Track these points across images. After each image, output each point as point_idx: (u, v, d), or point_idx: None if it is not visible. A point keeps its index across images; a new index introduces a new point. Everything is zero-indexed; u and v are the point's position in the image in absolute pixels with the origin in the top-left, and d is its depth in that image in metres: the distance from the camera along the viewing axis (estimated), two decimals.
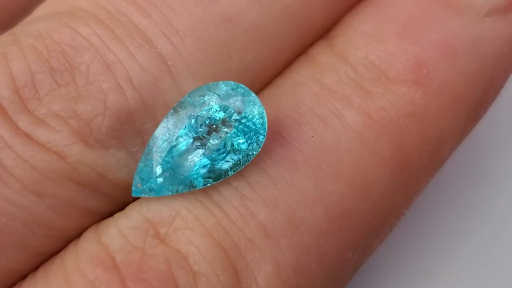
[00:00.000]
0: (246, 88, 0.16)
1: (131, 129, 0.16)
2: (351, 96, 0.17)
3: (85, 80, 0.16)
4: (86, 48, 0.16)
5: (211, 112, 0.16)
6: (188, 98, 0.16)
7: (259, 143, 0.16)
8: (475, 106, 0.18)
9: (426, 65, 0.18)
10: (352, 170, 0.17)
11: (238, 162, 0.16)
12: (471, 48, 0.18)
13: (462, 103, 0.18)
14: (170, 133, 0.16)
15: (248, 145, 0.16)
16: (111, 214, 0.17)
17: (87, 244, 0.16)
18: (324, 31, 0.19)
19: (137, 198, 0.17)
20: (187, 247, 0.16)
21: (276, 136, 0.17)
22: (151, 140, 0.16)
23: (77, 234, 0.17)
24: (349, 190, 0.17)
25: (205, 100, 0.16)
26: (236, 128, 0.16)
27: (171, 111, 0.16)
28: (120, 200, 0.17)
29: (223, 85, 0.16)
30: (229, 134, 0.16)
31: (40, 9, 0.18)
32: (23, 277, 0.16)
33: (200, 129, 0.16)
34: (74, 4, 0.17)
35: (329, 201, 0.17)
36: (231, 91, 0.16)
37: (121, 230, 0.16)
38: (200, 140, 0.16)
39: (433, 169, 0.19)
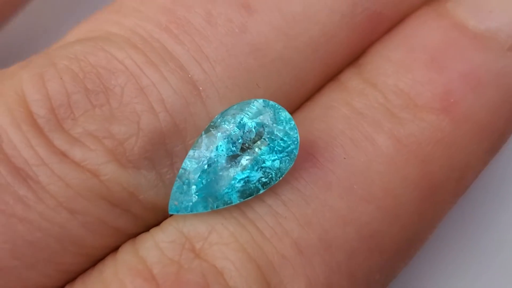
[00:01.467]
0: (277, 104, 0.17)
1: (162, 150, 0.17)
2: (381, 121, 0.18)
3: (119, 102, 0.17)
4: (120, 71, 0.17)
5: (243, 130, 0.17)
6: (221, 118, 0.17)
7: (291, 159, 0.17)
8: (498, 136, 0.19)
9: (453, 95, 0.18)
10: (382, 193, 0.17)
11: (271, 179, 0.16)
12: (496, 80, 0.19)
13: (486, 133, 0.19)
14: (204, 152, 0.17)
15: (280, 162, 0.16)
16: (137, 235, 0.17)
17: (125, 257, 0.16)
18: (349, 62, 0.20)
19: (163, 219, 0.17)
20: (222, 262, 0.16)
21: (309, 157, 0.17)
22: (186, 159, 0.17)
23: (105, 254, 0.17)
24: (379, 212, 0.17)
25: (237, 119, 0.17)
26: (269, 146, 0.17)
27: (203, 132, 0.17)
28: (147, 221, 0.17)
29: (254, 103, 0.17)
30: (261, 151, 0.16)
31: (73, 33, 0.18)
32: None
33: (233, 148, 0.17)
34: (107, 29, 0.18)
35: (360, 222, 0.17)
36: (262, 108, 0.17)
37: (157, 244, 0.16)
38: (233, 158, 0.17)
39: (456, 196, 0.19)
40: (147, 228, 0.17)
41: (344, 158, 0.17)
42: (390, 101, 0.18)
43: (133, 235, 0.17)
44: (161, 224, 0.17)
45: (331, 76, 0.19)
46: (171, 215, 0.17)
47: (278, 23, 0.18)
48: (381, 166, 0.17)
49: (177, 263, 0.16)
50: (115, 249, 0.17)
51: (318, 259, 0.16)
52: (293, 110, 0.19)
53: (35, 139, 0.16)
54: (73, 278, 0.17)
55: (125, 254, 0.17)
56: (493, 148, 0.19)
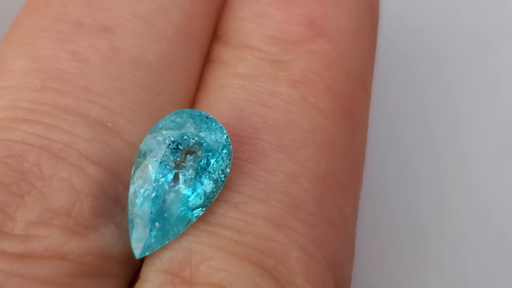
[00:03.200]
0: (188, 109, 0.16)
1: (108, 201, 0.16)
2: (272, 72, 0.18)
3: (43, 179, 0.16)
4: (27, 151, 0.16)
5: (171, 149, 0.16)
6: (144, 146, 0.16)
7: (229, 155, 0.16)
8: (371, 32, 0.20)
9: (317, 17, 0.19)
10: (312, 134, 0.18)
11: (218, 179, 0.16)
12: None
13: (360, 34, 0.20)
14: (142, 186, 0.16)
15: (220, 161, 0.16)
16: None
17: None
18: (214, 32, 0.20)
19: (143, 261, 0.17)
20: (216, 275, 0.16)
21: (233, 138, 0.17)
22: (128, 201, 0.16)
23: None
24: (318, 153, 0.18)
25: (160, 140, 0.16)
26: (202, 150, 0.16)
27: (135, 164, 0.16)
28: (127, 277, 0.17)
29: (167, 120, 0.16)
30: (198, 160, 0.16)
31: None
32: None
33: (167, 170, 0.16)
34: None
35: (309, 168, 0.17)
36: (178, 120, 0.16)
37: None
38: (173, 180, 0.16)
39: (368, 103, 0.20)
40: (132, 283, 0.17)
41: (264, 122, 0.17)
42: (269, 52, 0.19)
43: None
44: (141, 275, 0.16)
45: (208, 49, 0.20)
46: (143, 261, 0.17)
47: (141, 27, 0.18)
48: (297, 111, 0.18)
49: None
50: None
51: (294, 222, 0.17)
52: (195, 99, 0.19)
53: None
54: None
55: None
56: (371, 44, 0.20)
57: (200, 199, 0.16)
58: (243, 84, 0.18)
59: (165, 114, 0.17)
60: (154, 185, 0.16)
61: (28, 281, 0.15)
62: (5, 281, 0.15)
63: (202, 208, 0.16)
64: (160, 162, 0.16)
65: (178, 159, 0.16)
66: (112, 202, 0.16)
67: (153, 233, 0.16)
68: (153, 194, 0.16)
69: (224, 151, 0.16)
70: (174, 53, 0.18)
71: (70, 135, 0.16)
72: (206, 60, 0.19)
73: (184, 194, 0.16)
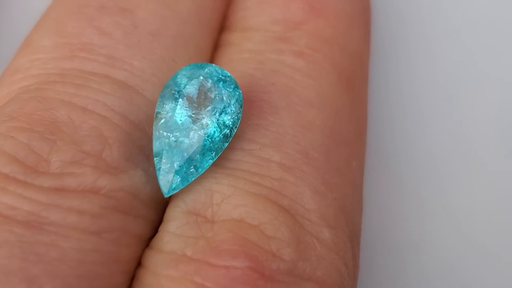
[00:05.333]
0: (202, 63, 0.18)
1: (135, 148, 0.18)
2: (279, 46, 0.20)
3: (73, 127, 0.17)
4: (58, 105, 0.17)
5: (188, 98, 0.18)
6: (161, 98, 0.18)
7: (239, 102, 0.18)
8: (363, 18, 0.22)
9: (315, 2, 0.21)
10: (317, 97, 0.19)
11: (231, 126, 0.18)
12: None
13: (355, 18, 0.22)
14: (164, 133, 0.17)
15: (232, 109, 0.18)
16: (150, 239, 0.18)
17: (154, 261, 0.17)
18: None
19: (165, 207, 0.18)
20: (237, 212, 0.17)
21: (245, 96, 0.19)
22: (153, 143, 0.17)
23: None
24: (324, 112, 0.19)
25: (175, 91, 0.18)
26: (215, 98, 0.18)
27: (154, 117, 0.18)
28: (155, 223, 0.18)
29: (182, 71, 0.18)
30: (211, 107, 0.18)
31: None
32: None
33: (187, 116, 0.18)
34: (22, 85, 0.18)
35: (316, 124, 0.19)
36: (192, 70, 0.18)
37: (175, 233, 0.17)
38: (193, 122, 0.18)
39: (366, 78, 0.22)
40: (155, 231, 0.18)
41: (272, 84, 0.19)
42: (274, 31, 0.20)
43: (148, 241, 0.17)
44: (166, 217, 0.17)
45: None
46: (168, 203, 0.18)
47: (158, 9, 0.20)
48: (302, 77, 0.19)
49: (202, 237, 0.17)
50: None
51: (305, 167, 0.18)
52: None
53: (25, 191, 0.16)
54: None
55: (152, 259, 0.17)
56: (366, 29, 0.22)
57: (214, 144, 0.17)
58: (251, 56, 0.20)
59: None
60: (175, 131, 0.17)
61: (64, 211, 0.16)
62: (44, 210, 0.16)
63: (218, 151, 0.17)
64: (179, 110, 0.18)
65: (195, 105, 0.18)
66: (138, 150, 0.18)
67: (178, 175, 0.17)
68: (174, 139, 0.17)
69: (232, 96, 0.18)
70: (189, 33, 0.20)
71: (97, 92, 0.18)
72: (216, 47, 0.21)
73: (203, 137, 0.17)
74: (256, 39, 0.20)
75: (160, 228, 0.17)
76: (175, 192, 0.17)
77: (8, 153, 0.16)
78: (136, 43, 0.19)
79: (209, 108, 0.18)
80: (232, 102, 0.18)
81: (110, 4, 0.20)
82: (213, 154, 0.17)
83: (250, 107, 0.19)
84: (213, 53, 0.21)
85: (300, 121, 0.19)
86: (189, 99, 0.18)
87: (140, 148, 0.18)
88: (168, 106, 0.18)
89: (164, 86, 0.18)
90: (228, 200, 0.17)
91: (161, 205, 0.18)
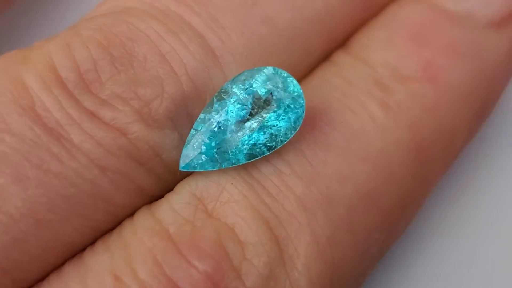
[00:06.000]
0: (287, 73, 0.18)
1: (184, 112, 0.18)
2: (372, 90, 0.19)
3: (143, 67, 0.18)
4: (142, 40, 0.18)
5: (253, 96, 0.18)
6: (231, 83, 0.18)
7: (296, 125, 0.18)
8: (480, 104, 0.21)
9: (436, 65, 0.20)
10: (378, 154, 0.19)
11: (276, 142, 0.18)
12: (473, 51, 0.20)
13: (468, 100, 0.20)
14: (214, 116, 0.18)
15: (286, 127, 0.18)
16: (158, 198, 0.18)
17: (142, 219, 0.17)
18: (345, 38, 0.21)
19: (184, 177, 0.18)
20: (233, 219, 0.17)
21: (309, 121, 0.19)
22: (196, 122, 0.18)
23: (130, 214, 0.18)
24: (375, 172, 0.19)
25: (247, 85, 0.18)
26: (276, 110, 0.18)
27: (214, 97, 0.18)
28: (167, 184, 0.18)
29: (264, 70, 0.18)
30: (269, 115, 0.18)
31: (93, 11, 0.20)
32: (80, 251, 0.17)
33: (242, 112, 0.18)
34: (127, 5, 0.19)
35: (359, 180, 0.18)
36: (272, 75, 0.18)
37: (172, 206, 0.17)
38: (242, 122, 0.18)
39: (446, 162, 0.21)
40: (166, 192, 0.18)
41: (341, 122, 0.19)
42: (379, 73, 0.20)
43: (154, 198, 0.18)
44: (175, 188, 0.18)
45: (332, 50, 0.21)
46: (183, 178, 0.18)
47: None
48: (374, 130, 0.19)
49: (191, 223, 0.17)
50: (137, 209, 0.18)
51: (321, 213, 0.18)
52: (298, 80, 0.20)
53: (65, 101, 0.17)
54: (99, 237, 0.18)
55: (142, 217, 0.17)
56: (476, 115, 0.21)
57: (254, 151, 0.18)
58: (343, 87, 0.19)
59: None
60: (223, 120, 0.18)
61: (86, 136, 0.17)
62: (70, 126, 0.17)
63: (252, 159, 0.18)
64: (237, 104, 0.18)
65: (255, 109, 0.18)
66: (187, 115, 0.18)
67: (203, 157, 0.18)
68: (218, 127, 0.18)
69: (295, 122, 0.18)
70: (302, 31, 0.20)
71: (182, 45, 0.18)
72: (324, 60, 0.21)
73: (242, 140, 0.18)
74: (359, 72, 0.20)
75: (165, 195, 0.18)
76: (190, 170, 0.18)
77: (75, 59, 0.18)
78: (244, 18, 0.19)
79: (267, 115, 0.18)
80: (292, 119, 0.18)
81: None
82: (246, 157, 0.18)
83: (306, 131, 0.18)
84: (323, 58, 0.21)
85: (344, 169, 0.18)
86: (254, 98, 0.18)
87: (190, 115, 0.18)
88: (232, 93, 0.18)
89: (239, 74, 0.18)
90: (233, 204, 0.17)
91: (181, 175, 0.18)
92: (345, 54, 0.21)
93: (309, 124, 0.19)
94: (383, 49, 0.20)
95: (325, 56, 0.21)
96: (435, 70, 0.20)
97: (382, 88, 0.19)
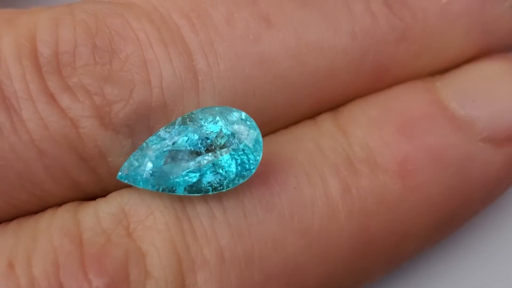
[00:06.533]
0: (255, 124, 0.17)
1: (145, 124, 0.18)
2: (340, 166, 0.19)
3: (121, 66, 0.17)
4: (131, 39, 0.18)
5: (214, 133, 0.17)
6: (201, 113, 0.17)
7: (246, 177, 0.17)
8: (445, 220, 0.20)
9: (413, 164, 0.19)
10: (318, 233, 0.18)
11: (222, 185, 0.17)
12: (459, 164, 0.19)
13: (434, 211, 0.19)
14: (171, 137, 0.17)
15: (236, 173, 0.17)
16: (93, 198, 0.18)
17: (64, 214, 0.17)
18: (342, 103, 0.20)
19: (123, 186, 0.18)
20: (149, 246, 0.17)
21: (264, 176, 0.18)
22: (153, 136, 0.17)
23: (57, 204, 0.18)
24: (309, 249, 0.18)
25: (214, 121, 0.17)
26: (231, 155, 0.17)
27: (180, 119, 0.17)
28: (106, 187, 0.18)
29: (235, 113, 0.17)
30: (223, 158, 0.17)
31: None
32: None
33: (199, 145, 0.17)
34: (131, 0, 0.19)
35: (289, 251, 0.18)
36: (240, 121, 0.17)
37: (97, 212, 0.17)
38: (195, 154, 0.17)
39: (389, 263, 0.20)
40: (105, 193, 0.18)
41: (294, 188, 0.18)
42: (354, 151, 0.19)
43: (91, 196, 0.18)
44: (108, 196, 0.18)
45: (322, 110, 0.20)
46: (123, 187, 0.18)
47: (291, 45, 0.19)
48: (324, 208, 0.18)
49: (108, 236, 0.17)
50: (68, 201, 0.18)
51: (236, 272, 0.17)
52: (275, 130, 0.20)
53: (30, 74, 0.17)
54: (19, 216, 0.18)
55: (65, 212, 0.17)
56: (438, 229, 0.20)
57: (196, 186, 0.17)
58: (312, 152, 0.19)
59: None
60: (179, 144, 0.17)
61: (36, 114, 0.17)
62: (24, 100, 0.17)
63: (192, 193, 0.17)
64: (198, 135, 0.17)
65: (212, 146, 0.17)
66: (147, 128, 0.18)
67: (143, 174, 0.17)
68: (171, 150, 0.17)
69: (246, 174, 0.17)
70: (294, 85, 0.19)
71: (167, 58, 0.18)
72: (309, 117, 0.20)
73: (189, 171, 0.17)
74: (335, 144, 0.19)
75: (96, 200, 0.18)
76: (125, 181, 0.17)
77: (57, 36, 0.17)
78: (242, 52, 0.18)
79: (222, 156, 0.17)
80: (245, 167, 0.17)
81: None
82: (187, 189, 0.17)
83: (256, 184, 0.18)
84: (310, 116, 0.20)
85: (276, 237, 0.18)
86: (215, 135, 0.17)
87: (150, 128, 0.18)
88: (197, 123, 0.17)
89: (212, 107, 0.18)
90: (154, 232, 0.17)
91: (121, 184, 0.18)
92: (331, 119, 0.20)
93: (261, 178, 0.18)
94: (368, 128, 0.19)
95: (312, 114, 0.20)
96: (410, 169, 0.19)
97: (350, 169, 0.19)
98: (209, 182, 0.17)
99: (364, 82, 0.20)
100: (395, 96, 0.20)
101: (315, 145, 0.19)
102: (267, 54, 0.19)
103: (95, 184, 0.18)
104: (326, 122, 0.20)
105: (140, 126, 0.18)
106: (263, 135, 0.19)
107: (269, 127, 0.19)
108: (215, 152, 0.17)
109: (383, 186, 0.19)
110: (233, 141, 0.17)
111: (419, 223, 0.19)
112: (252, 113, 0.18)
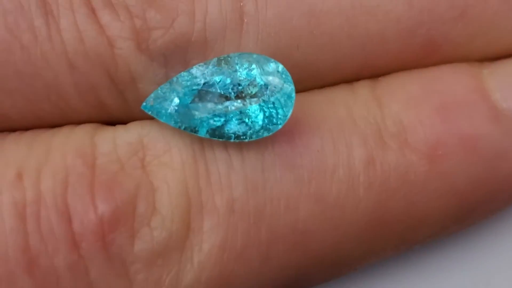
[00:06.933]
0: (291, 79, 0.17)
1: (181, 56, 0.17)
2: (368, 137, 0.18)
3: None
4: None
5: (248, 81, 0.17)
6: (237, 57, 0.17)
7: (271, 131, 0.17)
8: (466, 212, 0.19)
9: (444, 148, 0.18)
10: (333, 202, 0.17)
11: (246, 135, 0.17)
12: (491, 156, 0.19)
13: (456, 201, 0.19)
14: (204, 76, 0.17)
15: (262, 125, 0.17)
16: (116, 123, 0.18)
17: (81, 134, 0.17)
18: (385, 73, 0.19)
19: (148, 117, 0.17)
20: (161, 183, 0.16)
21: (289, 133, 0.17)
22: (185, 72, 0.17)
23: (79, 122, 0.17)
24: (322, 216, 0.17)
25: (249, 68, 0.17)
26: (261, 106, 0.17)
27: (216, 59, 0.17)
28: (132, 114, 0.18)
29: (273, 64, 0.17)
30: (251, 107, 0.17)
31: None
32: (11, 130, 0.17)
33: (230, 90, 0.17)
34: None
35: (300, 215, 0.17)
36: (276, 73, 0.17)
37: (115, 139, 0.17)
38: (225, 97, 0.17)
39: (401, 244, 0.19)
40: (129, 120, 0.18)
41: (318, 151, 0.17)
42: (386, 125, 0.18)
43: (114, 120, 0.18)
44: (128, 124, 0.17)
45: (362, 77, 0.19)
46: (147, 118, 0.17)
47: (345, 3, 0.18)
48: (345, 177, 0.18)
49: (122, 165, 0.16)
50: (91, 121, 0.18)
51: (244, 225, 0.17)
52: (311, 88, 0.19)
53: None
54: (39, 126, 0.17)
55: (83, 133, 0.17)
56: (455, 218, 0.19)
57: (220, 130, 0.17)
58: (343, 119, 0.18)
59: (285, 65, 0.17)
60: (209, 84, 0.17)
61: (74, 25, 0.16)
62: (64, 8, 0.16)
63: (213, 137, 0.17)
64: (231, 80, 0.17)
65: (243, 93, 0.17)
66: (182, 60, 0.17)
67: (169, 109, 0.17)
68: (201, 89, 0.17)
69: (274, 126, 0.17)
70: (340, 43, 0.18)
71: None
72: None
73: (215, 113, 0.16)
74: (368, 114, 0.18)
75: (116, 126, 0.17)
76: (149, 113, 0.17)
77: None
78: (292, 3, 0.18)
79: (251, 105, 0.17)
80: (272, 121, 0.17)
81: None
82: (209, 133, 0.17)
83: (280, 140, 0.17)
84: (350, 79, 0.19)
85: (291, 198, 0.17)
86: (248, 83, 0.17)
87: (185, 61, 0.17)
88: (232, 67, 0.17)
89: (250, 53, 0.17)
90: (169, 170, 0.17)
91: (145, 114, 0.17)
92: (369, 89, 0.19)
93: (286, 135, 0.17)
94: (405, 104, 0.19)
95: (352, 78, 0.19)
96: (440, 153, 0.18)
97: (379, 142, 0.18)
98: (233, 129, 0.17)
99: (412, 55, 0.19)
100: (439, 76, 0.19)
101: (347, 111, 0.18)
102: (319, 8, 0.18)
103: (121, 109, 0.17)
104: (363, 89, 0.19)
105: (176, 57, 0.17)
106: (298, 91, 0.18)
107: (305, 84, 0.19)
108: (245, 100, 0.17)
109: (409, 165, 0.18)
110: (265, 92, 0.17)
111: (438, 210, 0.19)
112: (292, 66, 0.18)
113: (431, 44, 0.19)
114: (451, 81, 0.19)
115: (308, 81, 0.19)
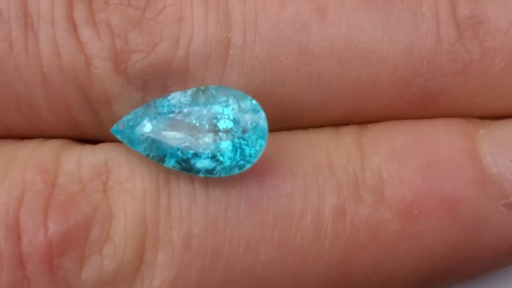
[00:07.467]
0: (266, 119, 0.16)
1: (160, 82, 0.17)
2: (343, 187, 0.17)
3: (154, 16, 0.16)
4: None
5: (223, 116, 0.16)
6: (215, 90, 0.16)
7: (241, 169, 0.16)
8: (439, 276, 0.18)
9: (421, 209, 0.17)
10: (296, 250, 0.17)
11: (215, 170, 0.16)
12: (471, 223, 0.18)
13: (429, 264, 0.18)
14: (180, 105, 0.16)
15: (232, 162, 0.16)
16: (93, 141, 0.17)
17: (46, 150, 0.17)
18: (369, 121, 0.19)
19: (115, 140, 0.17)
20: (119, 210, 0.16)
21: (260, 174, 0.17)
22: (160, 99, 0.16)
23: (52, 136, 0.17)
24: (282, 264, 0.17)
25: (226, 103, 0.16)
26: (233, 144, 0.16)
27: (194, 89, 0.16)
28: (106, 133, 0.17)
29: (249, 101, 0.16)
30: (223, 142, 0.16)
31: None
32: None
33: (204, 122, 0.16)
34: None
35: (260, 260, 0.17)
36: (252, 111, 0.16)
37: (80, 159, 0.17)
38: (198, 129, 0.16)
39: None
40: (104, 140, 0.17)
41: (287, 196, 0.17)
42: (364, 176, 0.17)
43: (90, 138, 0.17)
44: (97, 145, 0.17)
45: (351, 122, 0.19)
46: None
47: (338, 45, 0.17)
48: (311, 226, 0.17)
49: (82, 186, 0.16)
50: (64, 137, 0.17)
51: (199, 264, 0.16)
52: (293, 128, 0.18)
53: None
54: (9, 137, 0.17)
55: (48, 149, 0.17)
56: (429, 280, 0.18)
57: (188, 163, 0.16)
58: (320, 166, 0.17)
59: (268, 102, 0.17)
60: (184, 115, 0.16)
61: (52, 38, 0.16)
62: (45, 21, 0.16)
63: (179, 168, 0.16)
64: (206, 112, 0.16)
65: (217, 128, 0.16)
66: (161, 86, 0.17)
67: (139, 134, 0.16)
68: (175, 117, 0.16)
69: (244, 165, 0.16)
70: (329, 87, 0.17)
71: (204, 21, 0.17)
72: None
73: (186, 145, 0.16)
74: (345, 163, 0.18)
75: (85, 145, 0.17)
76: (116, 136, 0.16)
77: None
78: (283, 37, 0.17)
79: (225, 141, 0.16)
80: (243, 159, 0.16)
81: None
82: (177, 165, 0.16)
83: (249, 178, 0.17)
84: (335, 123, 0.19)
85: (252, 241, 0.17)
86: (222, 119, 0.16)
87: (164, 87, 0.17)
88: (210, 100, 0.16)
89: (229, 88, 0.16)
90: (129, 198, 0.16)
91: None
92: (354, 136, 0.18)
93: (256, 175, 0.17)
94: (388, 157, 0.18)
95: (339, 122, 0.18)
96: (416, 213, 0.17)
97: (353, 193, 0.17)
98: (202, 163, 0.16)
99: (407, 105, 0.18)
100: (430, 131, 0.18)
101: (326, 157, 0.18)
102: (310, 47, 0.17)
103: (96, 128, 0.17)
104: (348, 136, 0.18)
105: (155, 82, 0.17)
106: (279, 130, 0.18)
107: (290, 123, 0.18)
108: (217, 135, 0.16)
109: (381, 221, 0.17)
110: (239, 129, 0.16)
111: (408, 271, 0.18)
112: (276, 103, 0.17)
113: (428, 96, 0.18)
114: (441, 138, 0.18)
115: (293, 120, 0.18)
